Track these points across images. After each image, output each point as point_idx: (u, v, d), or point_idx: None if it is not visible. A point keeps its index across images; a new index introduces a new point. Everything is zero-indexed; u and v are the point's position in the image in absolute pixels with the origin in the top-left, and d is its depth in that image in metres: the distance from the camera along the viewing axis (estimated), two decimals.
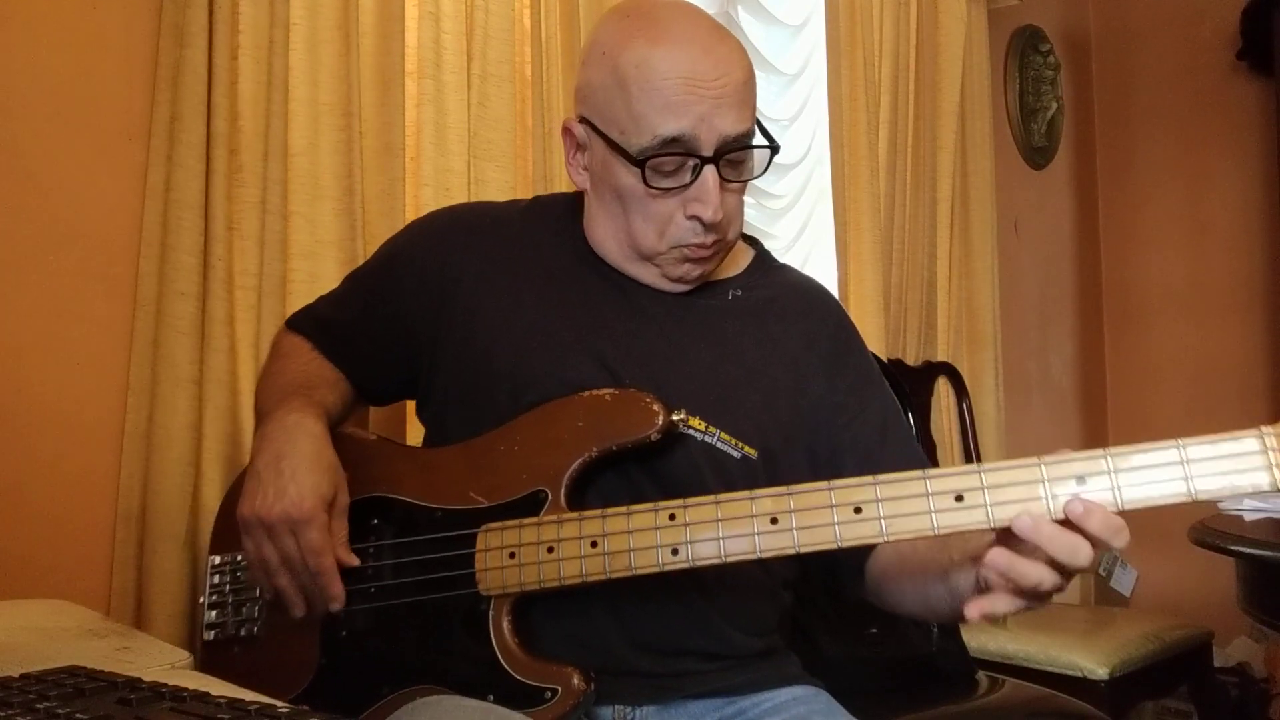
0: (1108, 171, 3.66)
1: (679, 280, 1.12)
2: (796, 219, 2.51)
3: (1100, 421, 3.55)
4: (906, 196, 2.54)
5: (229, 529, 1.14)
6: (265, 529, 1.02)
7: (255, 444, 1.10)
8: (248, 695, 0.71)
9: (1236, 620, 2.38)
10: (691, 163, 1.04)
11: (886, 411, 1.16)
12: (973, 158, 2.80)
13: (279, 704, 0.66)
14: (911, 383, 2.46)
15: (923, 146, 2.60)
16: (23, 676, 0.71)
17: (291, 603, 1.05)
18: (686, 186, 1.05)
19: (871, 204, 2.39)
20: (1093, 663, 2.13)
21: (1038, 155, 3.38)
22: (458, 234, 1.20)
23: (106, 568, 1.35)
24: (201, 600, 1.17)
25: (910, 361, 2.52)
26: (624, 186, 1.07)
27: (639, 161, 1.03)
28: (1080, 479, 0.83)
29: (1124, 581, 3.34)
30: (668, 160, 1.03)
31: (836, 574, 1.13)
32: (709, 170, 1.04)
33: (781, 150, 1.12)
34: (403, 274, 1.19)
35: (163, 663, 0.86)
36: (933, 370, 2.59)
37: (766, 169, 1.11)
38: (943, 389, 2.61)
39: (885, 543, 1.02)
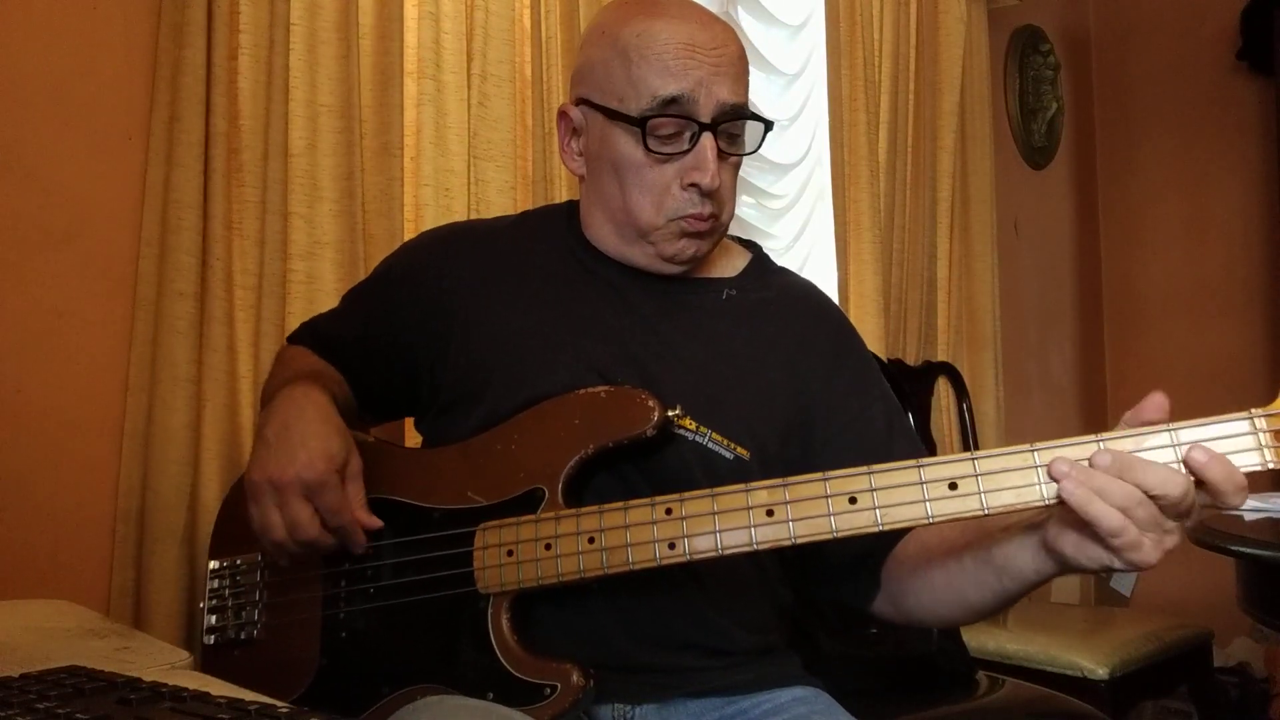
0: (1108, 171, 3.66)
1: (673, 259, 1.11)
2: (796, 219, 2.50)
3: (1100, 422, 3.55)
4: (906, 197, 2.54)
5: (227, 533, 1.14)
6: (276, 492, 1.00)
7: (261, 418, 1.09)
8: (248, 695, 0.71)
9: (1236, 620, 2.38)
10: (690, 130, 1.05)
11: (890, 412, 1.15)
12: (973, 158, 2.80)
13: (279, 704, 0.66)
14: (911, 383, 2.46)
15: (923, 147, 2.60)
16: (23, 676, 0.71)
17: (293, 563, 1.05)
18: (684, 154, 1.06)
19: (871, 204, 2.39)
20: (1093, 663, 2.12)
21: (1038, 155, 3.37)
22: (452, 249, 1.20)
23: (106, 567, 1.35)
24: (202, 605, 1.17)
25: (910, 361, 2.52)
26: (622, 156, 1.08)
27: (639, 121, 1.05)
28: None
29: (1124, 581, 3.33)
30: (667, 123, 1.05)
31: (839, 586, 1.10)
32: (706, 137, 1.05)
33: (781, 150, 1.13)
34: (400, 292, 1.20)
35: (163, 663, 0.86)
36: (933, 370, 2.59)
37: (760, 145, 1.14)
38: (943, 389, 2.61)
39: (911, 538, 1.02)
